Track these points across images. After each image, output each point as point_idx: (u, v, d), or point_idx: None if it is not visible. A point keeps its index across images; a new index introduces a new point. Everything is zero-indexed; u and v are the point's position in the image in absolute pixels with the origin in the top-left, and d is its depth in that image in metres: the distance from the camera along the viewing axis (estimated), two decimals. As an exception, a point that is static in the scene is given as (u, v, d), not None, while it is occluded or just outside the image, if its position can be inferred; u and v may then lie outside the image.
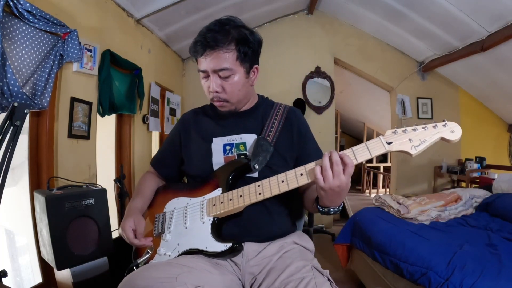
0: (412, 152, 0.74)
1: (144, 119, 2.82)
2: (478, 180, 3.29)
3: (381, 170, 6.85)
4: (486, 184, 2.82)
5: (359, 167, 8.35)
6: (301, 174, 0.80)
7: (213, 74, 0.88)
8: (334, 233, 3.29)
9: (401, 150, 0.74)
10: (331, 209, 0.81)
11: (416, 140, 0.74)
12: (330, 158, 0.74)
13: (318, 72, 3.84)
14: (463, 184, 3.55)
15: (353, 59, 3.89)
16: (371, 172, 6.55)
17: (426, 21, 3.00)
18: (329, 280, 0.78)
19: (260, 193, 0.82)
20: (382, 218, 2.02)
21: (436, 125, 0.74)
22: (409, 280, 1.44)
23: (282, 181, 0.81)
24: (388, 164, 6.58)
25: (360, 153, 0.76)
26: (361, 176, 7.01)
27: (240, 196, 0.84)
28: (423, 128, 0.74)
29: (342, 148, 8.71)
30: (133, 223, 0.89)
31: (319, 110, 3.84)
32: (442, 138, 0.73)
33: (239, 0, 2.97)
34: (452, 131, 0.73)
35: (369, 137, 7.34)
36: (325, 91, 3.87)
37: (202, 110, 1.09)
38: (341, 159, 0.74)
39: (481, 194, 2.38)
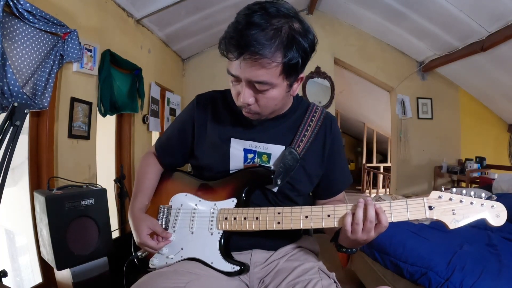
0: (451, 227, 0.68)
1: (144, 119, 2.82)
2: (478, 180, 3.29)
3: (381, 170, 6.85)
4: (486, 184, 2.82)
5: (359, 167, 8.36)
6: (329, 216, 0.73)
7: (246, 84, 0.70)
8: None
9: (440, 220, 0.69)
10: (349, 250, 0.77)
11: (459, 214, 0.68)
12: (365, 210, 0.68)
13: (318, 72, 3.84)
14: (463, 184, 3.55)
15: (353, 59, 3.89)
16: (371, 172, 6.55)
17: (426, 21, 3.00)
18: (335, 282, 0.78)
19: (279, 223, 0.75)
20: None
21: (483, 204, 0.68)
22: (409, 280, 1.44)
23: (306, 217, 0.74)
24: (388, 164, 6.58)
25: (397, 212, 0.70)
26: (361, 176, 7.01)
27: (256, 218, 0.77)
28: (471, 202, 0.68)
29: (342, 148, 8.70)
30: (148, 229, 0.82)
31: (319, 110, 3.84)
32: (484, 220, 0.68)
33: (239, 0, 2.97)
34: (498, 215, 0.67)
35: (369, 137, 7.35)
36: (325, 91, 3.87)
37: (222, 97, 0.90)
38: (377, 215, 0.67)
39: (481, 194, 2.38)
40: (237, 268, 0.78)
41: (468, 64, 3.24)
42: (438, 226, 1.94)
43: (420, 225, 1.93)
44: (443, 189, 0.71)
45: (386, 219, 0.68)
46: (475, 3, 2.47)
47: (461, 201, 0.68)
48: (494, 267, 1.27)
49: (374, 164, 7.33)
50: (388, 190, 5.70)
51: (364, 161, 7.45)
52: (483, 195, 0.69)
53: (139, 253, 0.85)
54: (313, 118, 0.86)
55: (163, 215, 0.88)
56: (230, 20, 0.70)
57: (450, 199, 0.69)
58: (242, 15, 0.67)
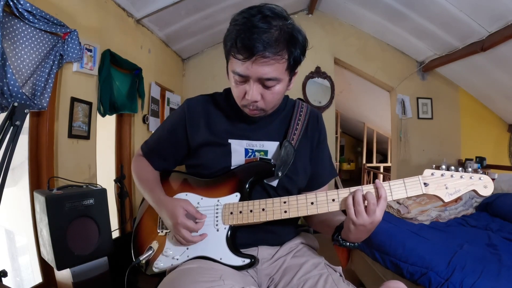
0: (445, 200, 0.74)
1: (144, 119, 2.82)
2: (478, 180, 3.29)
3: (381, 170, 6.85)
4: (486, 184, 2.82)
5: (359, 167, 8.36)
6: (333, 200, 0.75)
7: (255, 82, 0.73)
8: (334, 233, 3.29)
9: (435, 195, 0.74)
10: (352, 244, 0.76)
11: (451, 188, 0.74)
12: (364, 196, 0.71)
13: (318, 72, 3.84)
14: (463, 184, 3.55)
15: (353, 59, 3.89)
16: (371, 172, 6.55)
17: (426, 21, 3.00)
18: (341, 276, 0.81)
19: (285, 211, 0.76)
20: (382, 218, 2.01)
21: (472, 176, 0.74)
22: (409, 280, 1.44)
23: (312, 203, 0.75)
24: (388, 164, 6.58)
25: (396, 190, 0.74)
26: (361, 176, 7.01)
27: (263, 209, 0.78)
28: (460, 176, 0.74)
29: (342, 148, 8.71)
30: (183, 210, 0.79)
31: (319, 110, 3.84)
32: (474, 191, 0.73)
33: (239, 0, 2.97)
34: (486, 186, 0.73)
35: (369, 137, 7.35)
36: (325, 91, 3.87)
37: (213, 100, 0.92)
38: (377, 189, 0.71)
39: (481, 194, 2.38)
40: (247, 261, 0.78)
41: (468, 64, 3.24)
42: (438, 226, 1.94)
43: (420, 225, 1.93)
44: (434, 167, 0.77)
45: (385, 193, 0.72)
46: (475, 3, 2.47)
47: (452, 176, 0.75)
48: (494, 267, 1.27)
49: (374, 164, 7.33)
50: (388, 190, 5.69)
51: (364, 161, 7.45)
52: (470, 169, 0.76)
53: (141, 258, 0.84)
54: (301, 113, 0.90)
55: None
56: (230, 20, 0.73)
57: (442, 175, 0.75)
58: (242, 19, 0.70)
